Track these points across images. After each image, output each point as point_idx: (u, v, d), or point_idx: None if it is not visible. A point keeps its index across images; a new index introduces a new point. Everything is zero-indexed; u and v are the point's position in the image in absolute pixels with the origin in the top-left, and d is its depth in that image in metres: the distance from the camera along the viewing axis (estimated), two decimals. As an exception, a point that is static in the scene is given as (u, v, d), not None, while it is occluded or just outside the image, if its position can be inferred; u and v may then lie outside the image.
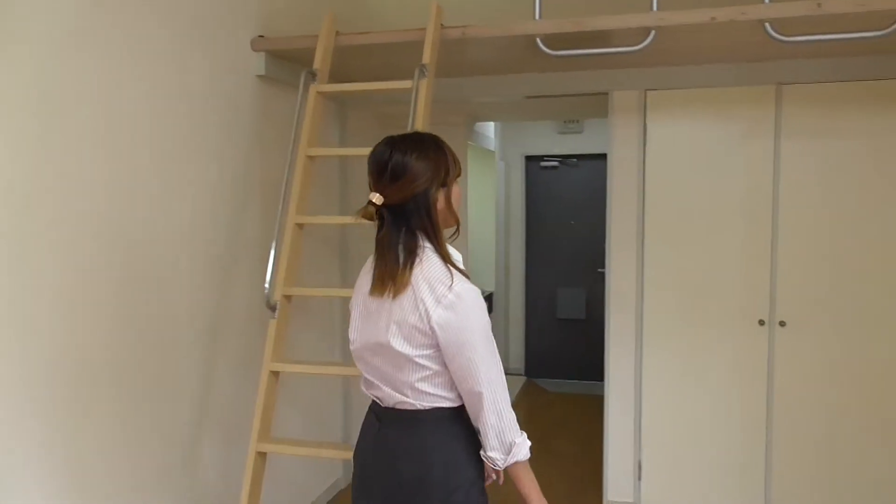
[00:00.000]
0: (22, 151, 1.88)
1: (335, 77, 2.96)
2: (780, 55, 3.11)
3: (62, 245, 2.01)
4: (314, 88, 2.73)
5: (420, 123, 2.55)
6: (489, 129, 5.74)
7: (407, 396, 1.58)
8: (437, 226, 1.57)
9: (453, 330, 1.50)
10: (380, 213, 1.55)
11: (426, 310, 1.50)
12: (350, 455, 2.68)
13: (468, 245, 4.38)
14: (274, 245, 2.56)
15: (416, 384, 1.56)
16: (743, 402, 3.35)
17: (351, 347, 1.68)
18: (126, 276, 2.25)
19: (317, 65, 2.75)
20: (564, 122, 5.97)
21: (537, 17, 2.72)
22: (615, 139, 3.46)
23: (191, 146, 2.55)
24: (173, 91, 2.44)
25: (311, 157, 2.71)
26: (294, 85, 2.77)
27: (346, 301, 3.85)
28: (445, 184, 1.59)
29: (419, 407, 1.58)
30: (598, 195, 5.29)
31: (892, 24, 2.51)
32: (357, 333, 1.66)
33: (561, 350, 6.09)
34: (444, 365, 1.55)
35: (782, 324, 3.28)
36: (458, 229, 1.66)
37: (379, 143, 1.59)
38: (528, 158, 6.19)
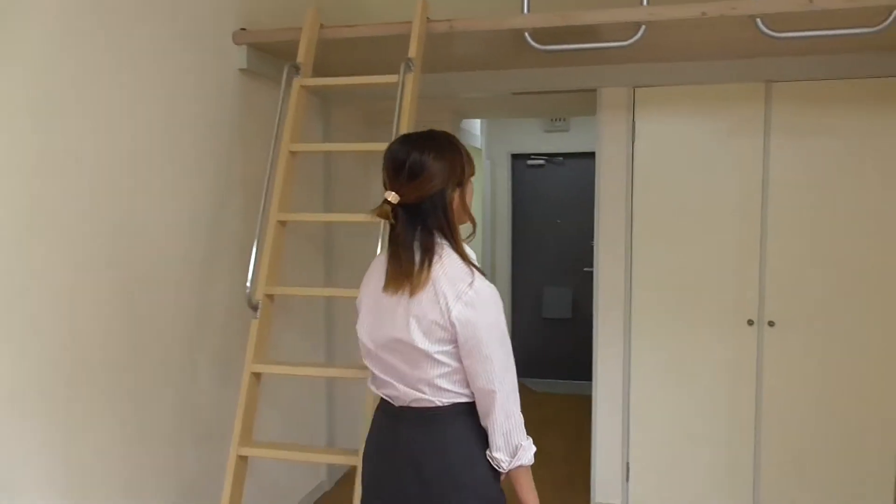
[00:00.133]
0: (-9, 144, 1.81)
1: (319, 72, 2.90)
2: (769, 52, 3.09)
3: (34, 244, 1.93)
4: (297, 82, 2.67)
5: (406, 120, 2.50)
6: (475, 126, 5.70)
7: (424, 393, 1.57)
8: (454, 225, 1.58)
9: (472, 326, 1.51)
10: (394, 212, 1.55)
11: (447, 305, 1.50)
12: (335, 459, 2.64)
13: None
14: (256, 243, 2.51)
15: (435, 380, 1.55)
16: (731, 402, 3.33)
17: (361, 345, 1.67)
18: (102, 274, 2.18)
19: (300, 58, 2.69)
20: (551, 120, 5.94)
21: (525, 11, 2.68)
22: (603, 136, 3.43)
23: (171, 141, 2.48)
24: (152, 84, 2.38)
25: (293, 153, 2.65)
26: (277, 79, 2.72)
27: (330, 300, 3.83)
28: (461, 183, 1.60)
29: (438, 404, 1.57)
30: (585, 194, 5.27)
31: (883, 20, 2.49)
32: (368, 330, 1.65)
33: (547, 349, 6.06)
34: (462, 362, 1.55)
35: (771, 324, 3.26)
36: (474, 229, 1.65)
37: (395, 142, 1.60)
38: (515, 157, 6.15)
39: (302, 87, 2.68)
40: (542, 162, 6.10)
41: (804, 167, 3.21)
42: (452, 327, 1.51)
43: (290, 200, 2.65)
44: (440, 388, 1.56)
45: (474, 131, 5.67)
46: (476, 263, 1.61)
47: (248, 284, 2.47)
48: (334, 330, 3.86)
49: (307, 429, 3.66)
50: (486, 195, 6.08)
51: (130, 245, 2.30)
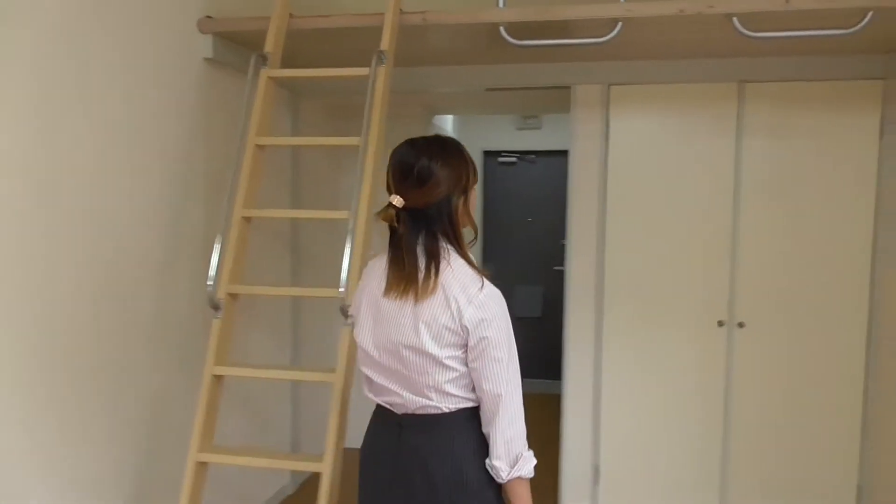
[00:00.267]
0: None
1: (288, 63, 2.81)
2: (744, 52, 3.08)
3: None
4: (265, 73, 2.59)
5: (377, 114, 2.43)
6: (447, 122, 5.63)
7: (431, 400, 1.56)
8: (459, 231, 1.59)
9: (483, 329, 1.51)
10: (398, 216, 1.55)
11: (458, 309, 1.51)
12: (299, 466, 2.56)
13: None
14: (219, 239, 2.40)
15: (443, 385, 1.55)
16: (701, 403, 3.32)
17: (360, 350, 1.66)
18: (56, 271, 2.07)
19: (268, 48, 2.61)
20: (523, 117, 5.90)
21: (501, 5, 2.63)
22: (577, 134, 3.39)
23: (131, 133, 2.38)
24: (112, 73, 2.27)
25: (260, 147, 2.56)
26: (244, 69, 2.62)
27: (297, 300, 3.73)
28: (466, 190, 1.61)
29: (444, 410, 1.57)
30: (556, 192, 5.23)
31: (858, 22, 2.49)
32: (369, 336, 1.62)
33: (518, 348, 6.01)
34: (469, 366, 1.56)
35: (741, 325, 3.26)
36: (476, 235, 1.67)
37: (402, 145, 1.60)
38: (487, 154, 6.10)
39: (270, 78, 2.60)
40: (514, 160, 6.06)
41: (776, 168, 3.21)
42: (464, 331, 1.51)
43: (256, 196, 2.57)
44: (447, 394, 1.56)
45: (446, 127, 5.61)
46: (479, 268, 1.61)
47: (210, 283, 2.37)
48: (301, 330, 3.77)
49: (271, 431, 3.56)
50: (457, 192, 6.01)
51: (87, 241, 2.19)
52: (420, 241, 1.55)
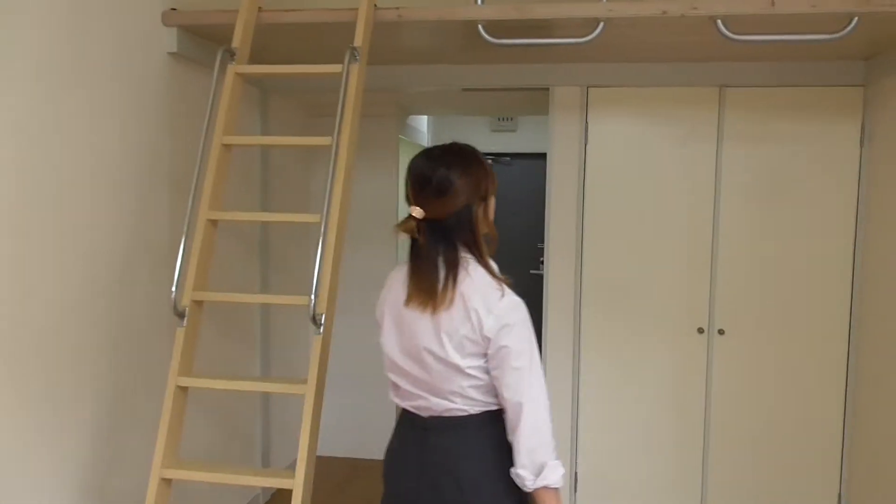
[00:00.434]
0: None
1: (257, 59, 2.71)
2: (725, 56, 3.04)
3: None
4: (232, 69, 2.47)
5: (350, 113, 2.34)
6: (422, 123, 5.55)
7: (455, 403, 1.57)
8: (480, 239, 1.59)
9: (503, 338, 1.51)
10: (418, 227, 1.55)
11: (479, 320, 1.51)
12: (270, 483, 2.45)
13: (397, 245, 4.17)
14: (183, 243, 2.28)
15: (466, 391, 1.56)
16: (681, 410, 3.28)
17: (386, 358, 1.66)
18: (11, 276, 1.93)
19: (235, 43, 2.49)
20: (498, 119, 5.84)
21: (479, 2, 2.54)
22: (555, 137, 3.32)
23: (91, 130, 2.25)
24: (71, 68, 2.14)
25: (227, 146, 2.45)
26: (210, 65, 2.50)
27: (266, 307, 3.61)
28: (485, 198, 1.61)
29: (470, 412, 1.58)
30: (533, 196, 5.17)
31: (843, 27, 2.45)
32: (393, 343, 1.64)
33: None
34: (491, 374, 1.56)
35: (721, 332, 3.22)
36: (496, 242, 1.65)
37: (418, 156, 1.60)
38: (461, 155, 6.03)
39: (237, 74, 2.49)
40: (489, 161, 5.99)
41: (756, 174, 3.18)
42: (485, 341, 1.51)
43: (223, 198, 2.45)
44: (471, 398, 1.56)
45: (421, 128, 5.52)
46: (500, 276, 1.60)
47: (174, 289, 2.24)
48: (271, 339, 3.64)
49: (240, 444, 3.44)
50: (432, 194, 5.92)
51: (44, 245, 2.06)
52: (440, 251, 1.55)
